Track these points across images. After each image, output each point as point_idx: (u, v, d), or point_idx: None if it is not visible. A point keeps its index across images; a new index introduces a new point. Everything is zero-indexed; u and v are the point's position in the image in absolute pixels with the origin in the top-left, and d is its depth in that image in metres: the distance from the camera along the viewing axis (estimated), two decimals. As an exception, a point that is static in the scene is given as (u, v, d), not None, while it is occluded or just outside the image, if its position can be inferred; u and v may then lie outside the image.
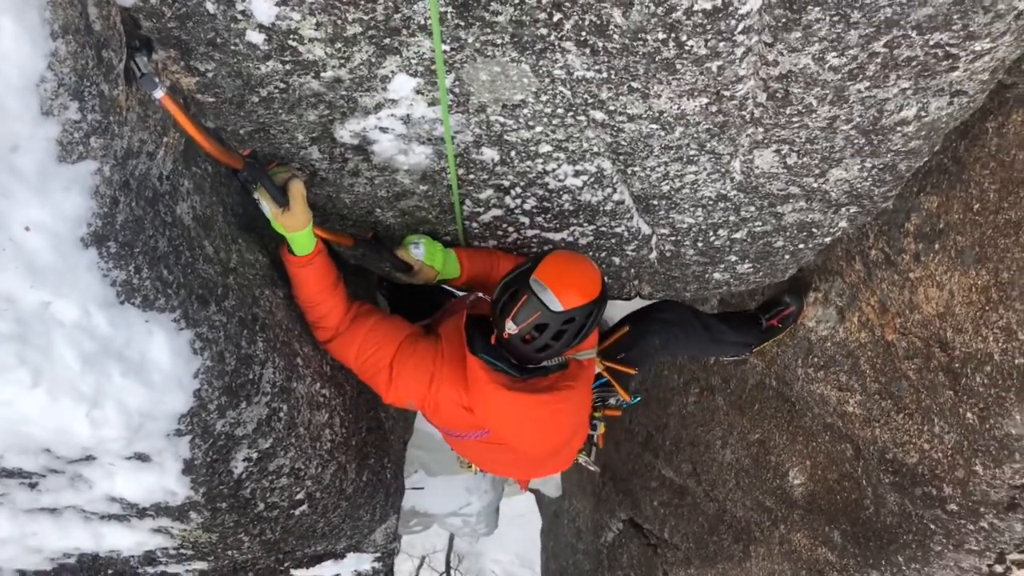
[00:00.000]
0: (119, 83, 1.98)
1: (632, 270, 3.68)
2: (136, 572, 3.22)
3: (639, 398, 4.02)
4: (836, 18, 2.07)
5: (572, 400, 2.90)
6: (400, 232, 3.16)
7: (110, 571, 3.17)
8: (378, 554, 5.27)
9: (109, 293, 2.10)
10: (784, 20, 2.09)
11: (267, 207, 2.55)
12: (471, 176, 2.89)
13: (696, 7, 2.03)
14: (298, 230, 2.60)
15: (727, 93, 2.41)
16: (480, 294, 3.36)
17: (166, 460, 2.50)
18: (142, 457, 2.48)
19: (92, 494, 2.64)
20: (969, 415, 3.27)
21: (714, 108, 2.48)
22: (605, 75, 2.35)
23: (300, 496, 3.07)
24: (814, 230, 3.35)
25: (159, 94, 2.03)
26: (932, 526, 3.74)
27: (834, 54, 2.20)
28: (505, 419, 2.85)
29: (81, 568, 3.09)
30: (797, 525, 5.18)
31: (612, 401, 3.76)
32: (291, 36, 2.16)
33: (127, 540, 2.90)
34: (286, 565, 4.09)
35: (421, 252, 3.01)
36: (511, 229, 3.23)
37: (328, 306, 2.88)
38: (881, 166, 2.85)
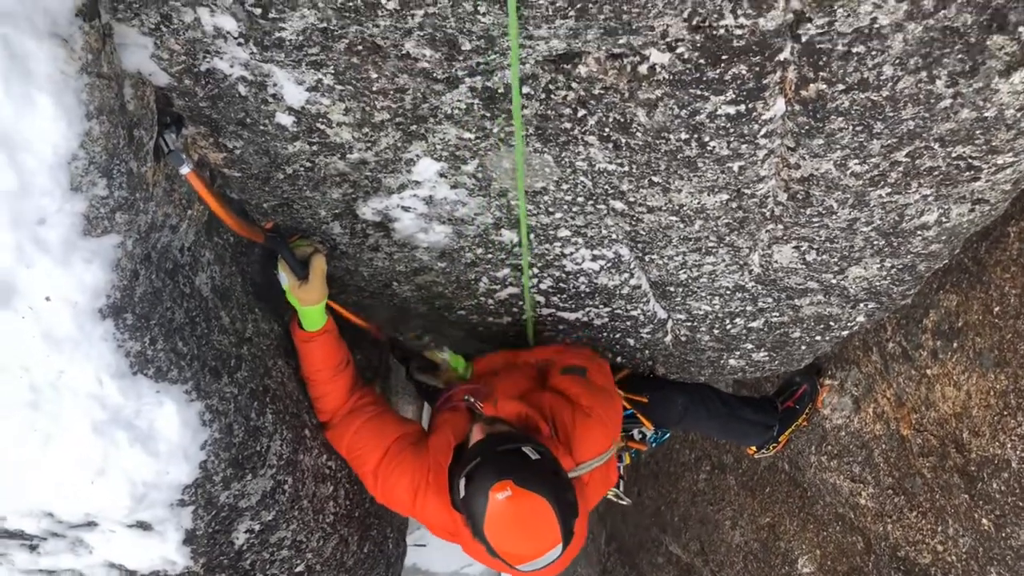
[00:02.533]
0: (148, 160, 2.01)
1: (647, 351, 3.66)
2: (131, 637, 3.17)
3: (668, 434, 3.88)
4: (859, 128, 2.08)
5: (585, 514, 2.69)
6: (415, 303, 3.16)
7: (105, 634, 3.12)
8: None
9: (123, 363, 2.11)
10: (807, 127, 2.10)
11: (285, 278, 2.59)
12: (489, 255, 2.90)
13: (720, 111, 2.05)
14: (312, 304, 2.63)
15: (748, 191, 2.42)
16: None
17: (167, 530, 2.48)
18: (144, 525, 2.46)
19: (91, 559, 2.61)
20: (985, 521, 3.20)
21: (734, 204, 2.49)
22: (626, 169, 2.37)
23: (300, 569, 3.03)
24: (831, 323, 3.33)
25: (185, 170, 2.06)
26: (943, 630, 3.65)
27: (856, 161, 2.21)
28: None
29: (76, 630, 3.05)
30: (805, 615, 5.06)
31: (636, 434, 3.66)
32: (320, 119, 2.19)
33: (124, 606, 2.86)
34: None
35: (445, 355, 3.11)
36: (527, 308, 3.23)
37: (327, 388, 2.86)
38: (900, 266, 2.84)
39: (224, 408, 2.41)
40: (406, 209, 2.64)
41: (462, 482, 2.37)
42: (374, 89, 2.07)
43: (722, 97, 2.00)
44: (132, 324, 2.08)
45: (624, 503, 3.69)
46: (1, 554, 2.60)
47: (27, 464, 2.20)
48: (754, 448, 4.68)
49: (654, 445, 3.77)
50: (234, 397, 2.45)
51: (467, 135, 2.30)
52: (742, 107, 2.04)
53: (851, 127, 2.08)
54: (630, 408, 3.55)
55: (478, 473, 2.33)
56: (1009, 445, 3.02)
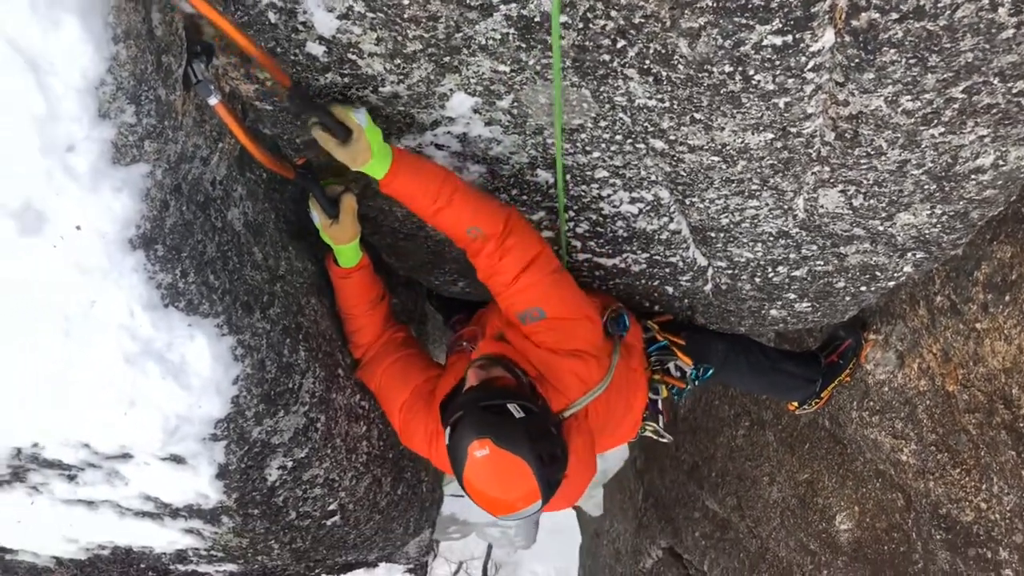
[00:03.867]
0: (177, 88, 1.98)
1: (685, 300, 3.60)
2: (167, 568, 3.25)
3: (711, 371, 3.69)
4: (913, 61, 1.97)
5: (584, 451, 2.67)
6: (449, 247, 3.11)
7: (142, 565, 3.20)
8: (410, 566, 5.26)
9: (154, 295, 2.11)
10: (857, 60, 2.00)
11: (317, 217, 2.57)
12: (524, 197, 2.85)
13: (766, 42, 1.96)
14: (345, 243, 2.63)
15: (793, 130, 2.32)
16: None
17: (200, 464, 2.51)
18: (177, 459, 2.49)
19: (127, 491, 2.66)
20: (1031, 479, 3.12)
21: (779, 144, 2.40)
22: (667, 104, 2.29)
23: (333, 507, 3.06)
24: (877, 273, 3.23)
25: (213, 101, 2.03)
26: (985, 589, 3.58)
27: (908, 98, 2.10)
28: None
29: (115, 559, 3.13)
30: (840, 572, 5.01)
31: (673, 369, 3.54)
32: (351, 50, 2.14)
33: (159, 538, 2.92)
34: (317, 572, 4.09)
35: (362, 119, 2.32)
36: (562, 252, 3.18)
37: (362, 322, 2.89)
38: (952, 213, 2.73)
39: (256, 343, 2.40)
40: (439, 147, 2.59)
41: (447, 431, 2.36)
42: (406, 16, 2.01)
43: (768, 26, 1.91)
44: (163, 256, 2.07)
45: (665, 440, 3.61)
46: (42, 483, 2.65)
47: (62, 393, 2.23)
48: (795, 404, 4.60)
49: (697, 383, 3.65)
50: (266, 333, 2.45)
51: (502, 68, 2.23)
52: (789, 38, 1.94)
53: (904, 60, 1.97)
54: (663, 339, 3.47)
55: (460, 427, 2.32)
56: (1060, 400, 2.92)
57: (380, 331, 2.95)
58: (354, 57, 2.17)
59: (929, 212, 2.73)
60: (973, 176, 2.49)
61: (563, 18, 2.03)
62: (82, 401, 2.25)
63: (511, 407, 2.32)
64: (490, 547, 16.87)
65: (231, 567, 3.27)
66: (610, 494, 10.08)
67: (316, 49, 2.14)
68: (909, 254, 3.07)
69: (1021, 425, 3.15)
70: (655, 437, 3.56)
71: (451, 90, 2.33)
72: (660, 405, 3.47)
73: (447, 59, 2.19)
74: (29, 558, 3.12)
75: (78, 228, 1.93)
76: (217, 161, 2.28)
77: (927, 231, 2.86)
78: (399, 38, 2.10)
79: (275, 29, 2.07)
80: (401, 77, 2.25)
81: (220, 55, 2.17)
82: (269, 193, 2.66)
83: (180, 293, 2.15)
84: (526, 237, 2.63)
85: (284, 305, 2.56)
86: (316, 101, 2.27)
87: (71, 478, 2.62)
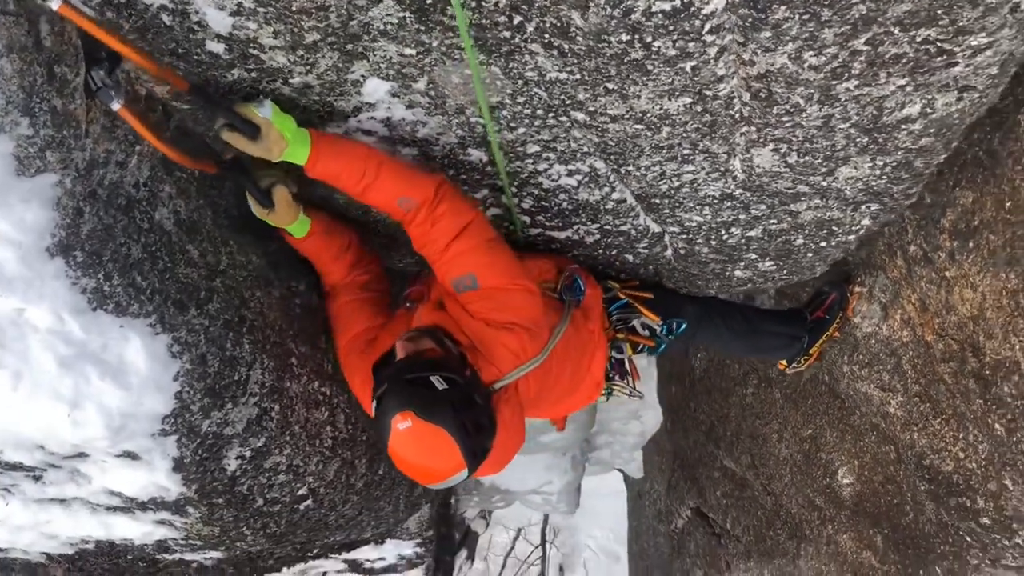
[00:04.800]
0: (76, 97, 2.02)
1: (650, 267, 3.58)
2: (155, 558, 3.34)
3: (684, 326, 3.63)
4: (806, 16, 1.93)
5: (497, 460, 2.62)
6: (402, 231, 3.13)
7: (129, 556, 3.29)
8: (419, 540, 5.34)
9: (80, 300, 2.16)
10: (751, 20, 1.97)
11: (253, 207, 2.62)
12: (463, 176, 2.85)
13: (655, 8, 1.94)
14: (287, 224, 2.74)
15: (709, 93, 2.29)
16: None
17: (155, 458, 2.57)
18: (131, 455, 2.55)
19: (92, 488, 2.74)
20: (997, 426, 3.06)
21: (699, 108, 2.37)
22: (578, 76, 2.27)
23: (302, 492, 3.12)
24: (834, 228, 3.18)
25: (116, 106, 2.06)
26: (968, 538, 3.54)
27: (811, 53, 2.06)
28: None
29: (101, 552, 3.22)
30: (844, 526, 5.00)
31: (640, 328, 3.52)
32: (251, 45, 2.16)
33: (134, 530, 3.00)
34: (314, 553, 4.18)
35: (267, 111, 2.32)
36: (514, 228, 3.18)
37: (329, 267, 3.08)
38: (894, 163, 2.68)
39: (194, 339, 2.45)
40: (367, 133, 2.60)
41: (373, 404, 2.39)
42: (295, 9, 2.02)
43: (653, -8, 1.89)
44: (83, 261, 2.12)
45: (637, 397, 3.59)
46: (12, 484, 2.74)
47: (4, 400, 2.30)
48: (784, 362, 4.56)
49: (670, 338, 3.61)
50: (204, 329, 2.49)
51: (408, 51, 2.23)
52: (677, 2, 1.92)
53: (796, 16, 1.94)
54: (624, 298, 3.45)
55: (384, 400, 2.34)
56: (1018, 347, 2.86)
57: (345, 274, 3.09)
58: (255, 52, 2.18)
59: (871, 164, 2.68)
60: (903, 126, 2.44)
61: (456, -2, 2.02)
62: (26, 406, 2.32)
63: (434, 379, 2.34)
64: (547, 515, 16.97)
65: (215, 554, 3.36)
66: (649, 456, 10.14)
67: (216, 47, 2.16)
68: (863, 207, 3.02)
69: (987, 373, 3.10)
70: (627, 395, 3.55)
71: (363, 76, 2.33)
72: (627, 365, 3.45)
73: (350, 47, 2.20)
74: (20, 555, 3.23)
75: (-9, 242, 1.98)
76: (137, 164, 2.32)
77: (874, 183, 2.81)
78: (295, 30, 2.11)
79: (172, 31, 2.09)
80: (308, 67, 2.26)
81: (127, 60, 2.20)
82: (204, 190, 2.69)
83: (107, 296, 2.20)
84: (458, 204, 2.64)
85: (225, 300, 2.61)
86: (219, 100, 2.29)
87: (37, 478, 2.71)
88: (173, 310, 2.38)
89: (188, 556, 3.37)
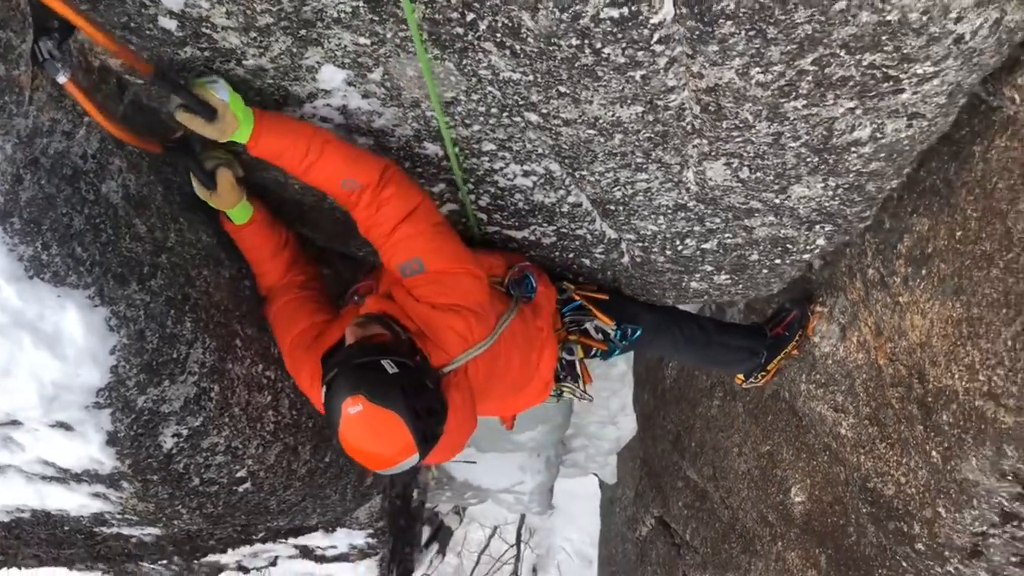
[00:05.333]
0: (21, 63, 2.00)
1: (608, 273, 3.59)
2: (92, 531, 3.33)
3: (639, 332, 3.62)
4: (752, 32, 1.95)
5: (451, 444, 2.68)
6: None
7: (66, 527, 3.28)
8: (370, 531, 5.34)
9: (16, 267, 2.15)
10: (698, 32, 1.98)
11: (196, 187, 2.61)
12: (419, 169, 2.86)
13: (603, 15, 1.94)
14: (229, 207, 2.73)
15: (660, 103, 2.31)
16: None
17: (88, 431, 2.56)
18: (65, 426, 2.54)
19: (26, 456, 2.73)
20: (935, 453, 3.09)
21: (650, 117, 2.38)
22: (531, 78, 2.28)
23: (241, 474, 3.11)
24: (789, 246, 3.20)
25: (62, 79, 2.06)
26: (904, 563, 3.57)
27: (758, 70, 2.08)
28: None
29: (37, 522, 3.21)
30: (793, 544, 5.03)
31: (592, 330, 3.52)
32: (204, 24, 2.16)
33: (69, 501, 2.99)
34: (260, 536, 4.18)
35: (224, 93, 2.31)
36: (472, 224, 3.18)
37: (265, 267, 3.01)
38: (846, 185, 2.70)
39: (133, 314, 2.45)
40: (323, 120, 2.60)
41: (323, 390, 2.38)
42: (246, -10, 2.02)
43: (601, -1, 1.90)
44: (20, 228, 2.11)
45: (586, 400, 3.60)
46: (-53, 450, 2.72)
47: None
48: (742, 376, 4.58)
49: (624, 343, 3.63)
50: (145, 304, 2.49)
51: (362, 40, 2.23)
52: (625, 10, 1.92)
53: (743, 32, 1.95)
54: (578, 299, 3.46)
55: (334, 385, 2.33)
56: (958, 375, 2.88)
57: (282, 275, 3.04)
58: (208, 31, 2.18)
59: (823, 185, 2.70)
60: (853, 149, 2.46)
61: (407, -10, 2.03)
62: (-42, 370, 2.31)
63: (384, 363, 2.33)
64: (523, 514, 16.94)
65: (153, 530, 3.36)
66: (623, 462, 10.17)
67: (169, 23, 2.16)
68: (817, 227, 3.04)
69: (930, 400, 3.12)
70: (576, 398, 3.56)
71: (318, 63, 2.34)
72: (578, 367, 3.46)
73: (303, 32, 2.20)
74: (-45, 519, 3.22)
75: (-74, 202, 1.98)
76: (86, 135, 2.31)
77: (826, 204, 2.83)
78: (248, 12, 2.11)
79: (123, 4, 2.09)
80: (261, 50, 2.26)
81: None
82: (157, 166, 2.69)
83: (44, 265, 2.19)
84: (405, 188, 2.63)
85: (169, 277, 2.60)
86: (178, 81, 2.28)
87: (-30, 444, 2.69)
88: (113, 283, 2.37)
89: (126, 531, 3.36)
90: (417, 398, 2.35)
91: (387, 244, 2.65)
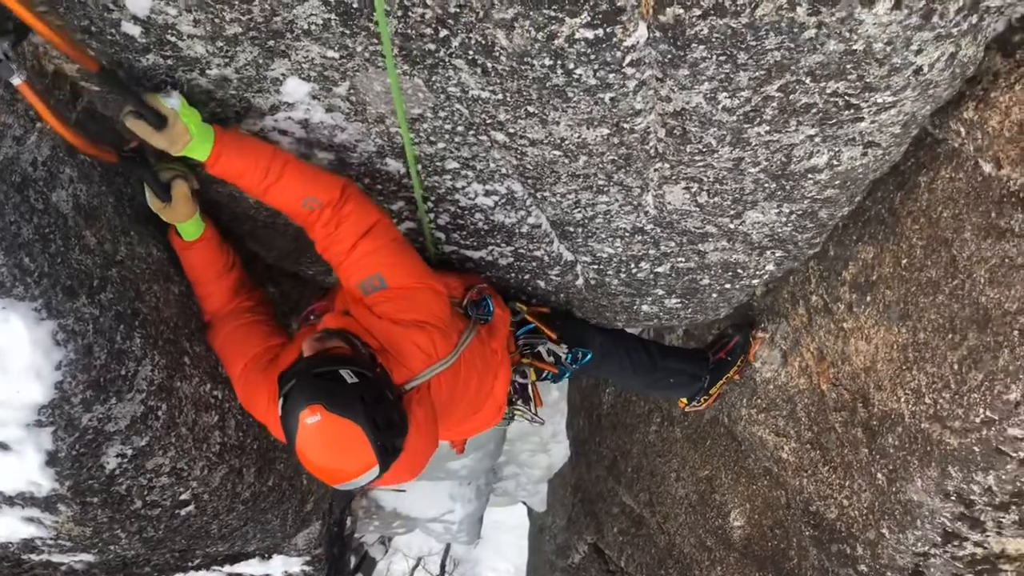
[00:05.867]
0: (-27, 64, 1.93)
1: (561, 295, 3.60)
2: (19, 558, 3.17)
3: (589, 355, 3.65)
4: (723, 58, 1.99)
5: (413, 460, 2.59)
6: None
7: (-9, 554, 3.12)
8: (308, 557, 5.21)
9: (-40, 277, 2.05)
10: (670, 56, 2.02)
11: (150, 199, 2.54)
12: (379, 186, 2.83)
13: (578, 35, 1.96)
14: (181, 221, 2.64)
15: (627, 126, 2.33)
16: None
17: (27, 450, 2.44)
18: (1, 446, 2.42)
19: (-44, 478, 2.59)
20: (880, 476, 3.17)
21: (616, 140, 2.40)
22: (500, 96, 2.28)
23: (185, 497, 3.01)
24: (740, 271, 3.26)
25: (17, 81, 1.97)
26: (846, 585, 3.64)
27: (726, 95, 2.12)
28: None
29: (-42, 549, 3.04)
30: (732, 568, 5.08)
31: (545, 354, 3.51)
32: (169, 31, 2.10)
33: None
34: (196, 563, 4.04)
35: (174, 102, 2.26)
36: (429, 245, 3.16)
37: (210, 288, 2.89)
38: (800, 212, 2.77)
39: (81, 329, 2.35)
40: (283, 133, 2.56)
41: (280, 402, 2.31)
42: (216, -1, 1.98)
43: (577, 19, 1.91)
44: (-35, 236, 2.01)
45: (537, 423, 3.60)
46: None
47: None
48: (685, 400, 4.63)
49: (576, 367, 3.64)
50: (94, 318, 2.39)
51: (331, 53, 2.21)
52: (600, 31, 1.95)
53: (714, 56, 1.99)
54: (532, 322, 3.45)
55: (291, 395, 2.26)
56: (904, 399, 2.97)
57: (228, 299, 2.93)
58: (173, 39, 2.13)
59: (777, 211, 2.77)
60: (810, 175, 2.53)
61: (384, 6, 2.01)
62: None
63: (344, 372, 2.27)
64: (448, 545, 16.80)
65: (86, 557, 3.21)
66: (553, 490, 10.14)
67: (132, 29, 2.10)
68: (768, 252, 3.11)
69: (875, 423, 3.21)
70: (528, 420, 3.55)
71: (283, 75, 2.30)
72: (531, 390, 3.46)
73: (271, 43, 2.16)
74: None
75: None
76: (37, 141, 2.22)
77: (779, 230, 2.89)
78: (216, 20, 2.06)
79: (85, 7, 2.03)
80: (227, 60, 2.22)
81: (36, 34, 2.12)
82: (108, 176, 2.60)
83: (-11, 275, 2.09)
84: (364, 205, 2.61)
85: (119, 291, 2.51)
86: (128, 86, 2.22)
87: None
88: (61, 296, 2.28)
89: (56, 558, 3.20)
90: (377, 408, 2.28)
91: (347, 261, 2.61)
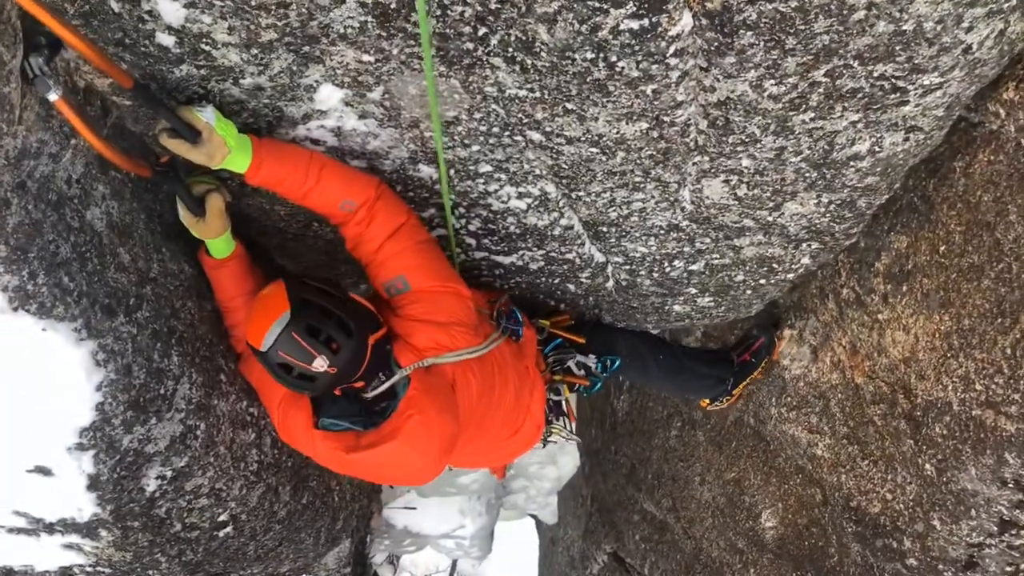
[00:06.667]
0: (11, 80, 1.89)
1: (590, 299, 3.56)
2: (56, 587, 3.11)
3: (617, 363, 3.67)
4: (770, 43, 1.96)
5: (425, 426, 2.54)
6: (343, 248, 3.04)
7: (28, 585, 3.06)
8: (336, 577, 5.15)
9: (0, 298, 2.01)
10: (716, 44, 1.98)
11: (183, 214, 2.50)
12: (410, 193, 2.80)
13: (623, 26, 1.93)
14: (213, 237, 2.58)
15: (667, 119, 2.30)
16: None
17: (69, 474, 2.40)
18: (43, 471, 2.38)
19: (-6, 507, 2.55)
20: (928, 466, 3.12)
21: (655, 134, 2.37)
22: (538, 94, 2.24)
23: (223, 518, 2.96)
24: (775, 265, 3.22)
25: (53, 97, 1.94)
26: (893, 580, 3.58)
27: (772, 82, 2.09)
28: (393, 471, 2.74)
29: (-3, 580, 2.99)
30: (766, 570, 5.01)
31: (575, 368, 3.52)
32: (203, 40, 2.07)
33: (38, 555, 2.79)
34: (227, 586, 3.97)
35: (210, 116, 2.24)
36: (458, 250, 3.13)
37: (241, 315, 2.79)
38: (839, 202, 2.73)
39: (121, 348, 2.31)
40: (315, 142, 2.52)
41: None
42: (254, 4, 1.95)
43: (623, 10, 1.88)
44: (7, 256, 1.97)
45: (574, 440, 3.59)
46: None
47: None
48: (707, 401, 4.60)
49: (606, 375, 3.63)
50: (132, 337, 2.35)
51: (366, 57, 2.17)
52: (645, 21, 1.91)
53: (762, 43, 1.96)
54: (559, 335, 3.45)
55: None
56: (951, 387, 2.92)
57: None
58: (207, 48, 2.10)
59: (816, 201, 2.73)
60: (852, 163, 2.49)
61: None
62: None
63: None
64: (455, 561, 16.69)
65: (124, 584, 3.15)
66: (564, 501, 10.07)
67: (167, 39, 2.06)
68: (804, 245, 3.07)
69: (918, 414, 3.16)
70: (564, 438, 3.53)
71: (317, 81, 2.27)
72: (564, 406, 3.43)
73: (307, 48, 2.13)
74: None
75: (-94, 228, 1.84)
76: (71, 158, 2.19)
77: (817, 221, 2.86)
78: (252, 27, 2.03)
79: (120, 19, 1.99)
80: (261, 68, 2.18)
81: (68, 48, 2.08)
82: (139, 193, 2.56)
83: (30, 296, 2.05)
84: (394, 204, 2.63)
85: (155, 308, 2.47)
86: (162, 101, 2.19)
87: (-70, 495, 2.50)
88: (100, 315, 2.24)
89: (94, 586, 3.15)
90: (319, 292, 2.48)
91: (374, 261, 2.64)
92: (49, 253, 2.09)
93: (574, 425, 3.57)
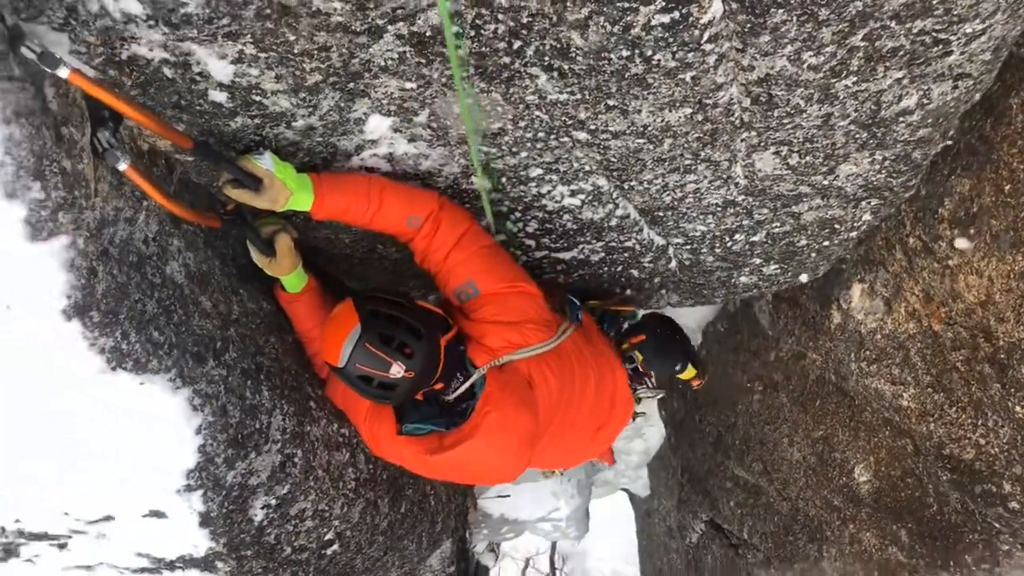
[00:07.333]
0: (84, 156, 2.00)
1: (655, 280, 3.59)
2: (181, 619, 3.27)
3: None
4: (803, 17, 1.96)
5: (502, 421, 2.59)
6: (409, 265, 3.12)
7: (156, 619, 3.23)
8: (442, 576, 5.28)
9: (98, 360, 2.13)
10: (750, 25, 1.99)
11: (255, 255, 2.60)
12: (467, 205, 2.86)
13: (654, 22, 1.95)
14: (286, 274, 2.71)
15: (709, 101, 2.31)
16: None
17: (181, 515, 2.54)
18: (157, 514, 2.52)
19: (119, 550, 2.70)
20: (1018, 408, 3.07)
21: (699, 117, 2.39)
22: (579, 96, 2.28)
23: (329, 536, 3.08)
24: (837, 226, 3.20)
25: (123, 167, 2.05)
26: (996, 525, 3.53)
27: (810, 53, 2.09)
28: (476, 469, 2.79)
29: (127, 618, 3.15)
30: (866, 524, 4.98)
31: (643, 391, 3.59)
32: (253, 91, 2.16)
33: (163, 592, 2.95)
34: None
35: (268, 162, 2.34)
36: (519, 252, 3.19)
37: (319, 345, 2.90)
38: (893, 157, 2.70)
39: (214, 391, 2.43)
40: (370, 170, 2.60)
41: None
42: (297, 51, 2.02)
43: (652, 6, 1.90)
44: (99, 321, 2.09)
45: (661, 395, 3.67)
46: (35, 555, 2.70)
47: (33, 470, 2.27)
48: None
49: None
50: (223, 379, 2.47)
51: (409, 85, 2.24)
52: (676, 14, 1.93)
53: (794, 18, 1.96)
54: (611, 311, 3.55)
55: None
56: (1033, 327, 2.88)
57: None
58: (258, 98, 2.19)
59: (870, 160, 2.71)
60: (901, 118, 2.47)
61: (454, 28, 2.03)
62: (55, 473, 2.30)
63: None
64: (554, 543, 16.84)
65: (243, 609, 3.31)
66: (654, 473, 10.10)
67: (219, 96, 2.16)
68: (863, 203, 3.05)
69: (1002, 357, 3.11)
70: (650, 398, 3.58)
71: (365, 114, 2.34)
72: (641, 368, 3.48)
73: (351, 85, 2.20)
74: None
75: (8, 308, 1.96)
76: (145, 219, 2.30)
77: (873, 178, 2.83)
78: (297, 72, 2.11)
79: (174, 83, 2.09)
80: (311, 109, 2.27)
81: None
82: (211, 241, 2.68)
83: (125, 354, 2.17)
84: (456, 213, 2.72)
85: (240, 348, 2.59)
86: (222, 154, 2.29)
87: (61, 547, 2.66)
88: (192, 363, 2.35)
89: (215, 614, 3.31)
90: (389, 305, 2.52)
91: (443, 269, 2.73)
92: (137, 312, 2.20)
93: (652, 379, 3.61)
